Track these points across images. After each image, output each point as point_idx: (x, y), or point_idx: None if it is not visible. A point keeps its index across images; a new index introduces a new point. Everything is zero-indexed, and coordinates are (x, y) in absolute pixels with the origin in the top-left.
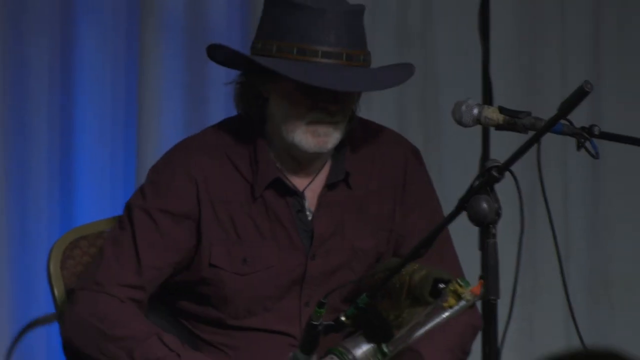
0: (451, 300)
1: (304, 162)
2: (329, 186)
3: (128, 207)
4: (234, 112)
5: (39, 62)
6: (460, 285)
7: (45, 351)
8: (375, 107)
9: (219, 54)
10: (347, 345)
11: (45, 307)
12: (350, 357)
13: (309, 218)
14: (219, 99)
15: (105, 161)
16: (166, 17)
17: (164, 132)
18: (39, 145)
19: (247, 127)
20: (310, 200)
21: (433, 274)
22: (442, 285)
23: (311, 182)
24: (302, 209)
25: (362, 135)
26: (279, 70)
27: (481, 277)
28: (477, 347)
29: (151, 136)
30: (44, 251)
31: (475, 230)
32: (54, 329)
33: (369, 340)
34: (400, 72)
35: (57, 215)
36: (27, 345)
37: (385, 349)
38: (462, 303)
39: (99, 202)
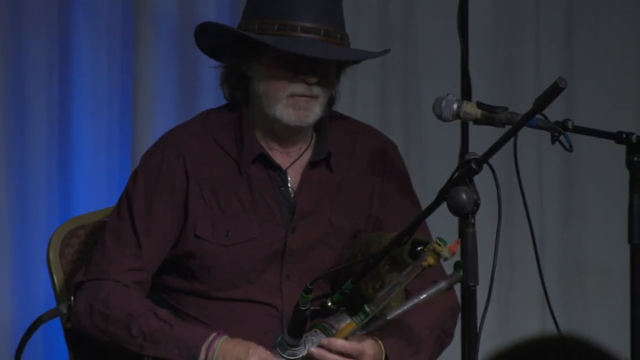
0: (430, 259)
1: (286, 137)
2: (312, 164)
3: (124, 196)
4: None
5: (38, 59)
6: (439, 244)
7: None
8: (358, 101)
9: (206, 36)
10: (330, 322)
11: (45, 293)
12: (334, 331)
13: (292, 195)
14: (210, 94)
15: (102, 154)
16: (159, 16)
17: (158, 126)
18: (39, 138)
19: (232, 112)
20: (294, 179)
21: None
22: (420, 248)
23: (295, 161)
24: (284, 186)
25: (343, 126)
26: (261, 39)
27: (460, 236)
28: (457, 330)
29: (146, 129)
30: (43, 240)
31: (455, 220)
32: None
33: (350, 315)
34: (374, 52)
35: (56, 206)
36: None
37: (367, 309)
38: (441, 285)
39: (96, 193)
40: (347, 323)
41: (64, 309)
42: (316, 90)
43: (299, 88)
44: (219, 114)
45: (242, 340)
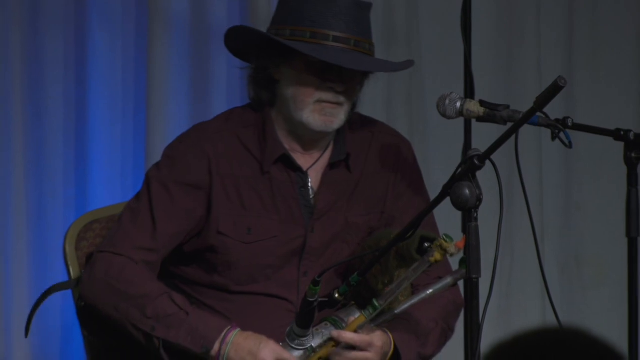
0: (437, 255)
1: (309, 141)
2: (331, 165)
3: (146, 180)
4: (234, 104)
5: (55, 57)
6: (446, 241)
7: (60, 318)
8: (366, 101)
9: (235, 38)
10: (340, 315)
11: None
12: (344, 324)
13: (311, 195)
14: (221, 92)
15: (116, 150)
16: (172, 18)
17: (171, 123)
18: (56, 135)
19: (256, 112)
20: (314, 179)
21: (419, 233)
22: (427, 244)
23: (315, 162)
24: (304, 186)
25: (361, 126)
26: (296, 47)
27: (463, 231)
28: (460, 322)
29: (159, 126)
30: (60, 233)
31: (458, 214)
32: (69, 297)
33: (360, 309)
34: (400, 64)
35: (73, 200)
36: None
37: (376, 303)
38: (447, 280)
39: (111, 188)
40: (356, 317)
41: (74, 283)
42: (342, 98)
43: (326, 95)
44: (242, 114)
45: (254, 333)
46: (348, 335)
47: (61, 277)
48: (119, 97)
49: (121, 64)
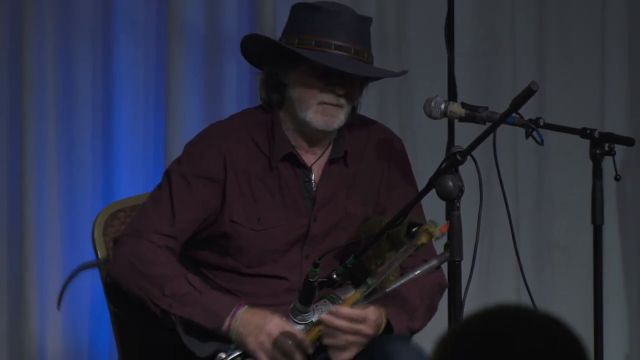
0: (423, 239)
1: (313, 139)
2: (331, 161)
3: (167, 172)
4: (243, 104)
5: (85, 63)
6: (431, 226)
7: (90, 297)
8: (361, 101)
9: (249, 45)
10: (337, 293)
11: None
12: (340, 301)
13: (314, 188)
14: (232, 93)
15: (139, 147)
16: (188, 27)
17: (187, 121)
18: (85, 133)
19: (266, 113)
20: (316, 174)
21: (408, 219)
22: (415, 229)
23: (318, 159)
24: (308, 180)
25: (359, 126)
26: (301, 53)
27: (447, 219)
28: (444, 301)
29: (176, 124)
30: (89, 221)
31: (442, 204)
32: (97, 279)
33: (355, 287)
34: (395, 71)
35: (100, 192)
36: (74, 292)
37: (369, 282)
38: (432, 263)
39: (134, 180)
40: (352, 294)
41: (102, 261)
42: (342, 100)
43: (328, 97)
44: (254, 114)
45: (261, 309)
46: (345, 310)
47: (90, 259)
48: (141, 99)
49: (143, 69)
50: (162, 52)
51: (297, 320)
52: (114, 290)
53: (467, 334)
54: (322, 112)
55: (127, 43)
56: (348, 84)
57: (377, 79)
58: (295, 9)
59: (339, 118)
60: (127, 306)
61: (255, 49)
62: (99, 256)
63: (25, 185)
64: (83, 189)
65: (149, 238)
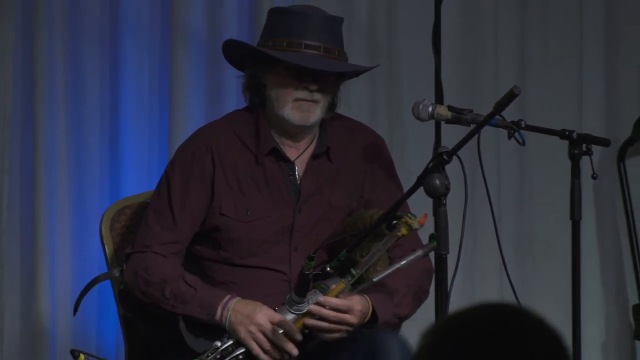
0: (403, 230)
1: (294, 135)
2: (314, 156)
3: (163, 179)
4: (242, 106)
5: (92, 69)
6: (410, 218)
7: (97, 297)
8: (353, 104)
9: (231, 50)
10: (327, 283)
11: (98, 260)
12: (328, 291)
13: (298, 182)
14: (232, 96)
15: (144, 147)
16: (191, 33)
17: (190, 122)
18: (93, 133)
19: (251, 113)
20: (300, 168)
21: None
22: (395, 221)
23: (301, 154)
24: (292, 174)
25: (342, 124)
26: (273, 54)
27: (433, 214)
28: (432, 291)
29: (180, 125)
30: (97, 217)
31: (430, 201)
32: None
33: (341, 277)
34: (365, 66)
35: (107, 189)
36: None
37: (353, 272)
38: (418, 253)
39: (140, 179)
40: (338, 284)
41: (116, 273)
42: (317, 96)
43: (302, 94)
44: (241, 114)
45: (251, 301)
46: (332, 300)
47: (98, 254)
48: (146, 101)
49: (148, 73)
50: (166, 57)
51: (292, 311)
52: (125, 296)
53: (454, 330)
54: (298, 108)
55: (133, 48)
56: (321, 80)
57: (355, 75)
58: (270, 13)
59: (315, 113)
60: (136, 309)
61: (237, 54)
62: (106, 250)
63: (37, 184)
64: (91, 188)
65: (155, 250)
